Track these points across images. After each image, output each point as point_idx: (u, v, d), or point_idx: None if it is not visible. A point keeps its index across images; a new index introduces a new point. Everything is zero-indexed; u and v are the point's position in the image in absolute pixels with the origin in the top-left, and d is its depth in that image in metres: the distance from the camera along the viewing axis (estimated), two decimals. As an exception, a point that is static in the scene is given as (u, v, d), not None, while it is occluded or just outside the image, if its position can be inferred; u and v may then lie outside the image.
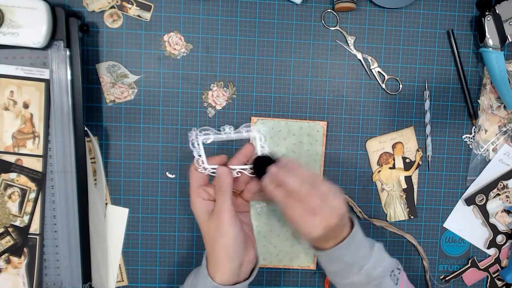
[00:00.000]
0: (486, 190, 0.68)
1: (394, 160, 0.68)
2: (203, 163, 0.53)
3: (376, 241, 0.58)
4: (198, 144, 0.53)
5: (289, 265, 0.68)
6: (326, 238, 0.53)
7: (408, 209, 0.69)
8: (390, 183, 0.68)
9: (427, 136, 0.67)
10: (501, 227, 0.70)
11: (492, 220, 0.69)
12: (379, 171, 0.67)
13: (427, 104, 0.67)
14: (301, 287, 0.69)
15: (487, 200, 0.69)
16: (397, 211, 0.68)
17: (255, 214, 0.66)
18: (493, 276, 0.71)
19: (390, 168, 0.68)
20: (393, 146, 0.67)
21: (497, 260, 0.71)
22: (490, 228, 0.69)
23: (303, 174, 0.52)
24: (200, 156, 0.53)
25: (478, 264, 0.70)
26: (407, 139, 0.68)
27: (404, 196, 0.68)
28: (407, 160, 0.68)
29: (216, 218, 0.52)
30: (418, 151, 0.68)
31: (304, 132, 0.66)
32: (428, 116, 0.67)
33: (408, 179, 0.68)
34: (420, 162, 0.68)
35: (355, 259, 0.54)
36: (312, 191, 0.50)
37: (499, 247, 0.70)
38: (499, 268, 0.71)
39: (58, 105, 0.58)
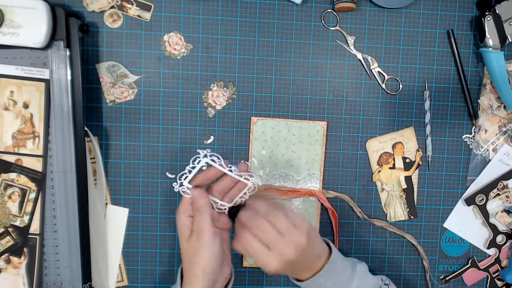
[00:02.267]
0: (486, 190, 0.68)
1: (394, 160, 0.68)
2: (185, 179, 0.51)
3: (358, 260, 0.58)
4: (198, 163, 0.51)
5: (289, 265, 0.68)
6: (297, 270, 0.53)
7: (408, 209, 0.69)
8: (390, 183, 0.68)
9: (427, 136, 0.67)
10: (501, 227, 0.70)
11: (492, 220, 0.69)
12: (379, 171, 0.67)
13: (427, 104, 0.67)
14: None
15: (487, 200, 0.69)
16: (397, 211, 0.68)
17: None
18: (493, 276, 0.71)
19: (390, 168, 0.68)
20: (393, 146, 0.67)
21: (497, 260, 0.71)
22: (490, 228, 0.69)
23: (259, 207, 0.52)
24: (188, 173, 0.51)
25: (478, 264, 0.70)
26: (407, 139, 0.67)
27: (404, 196, 0.68)
28: (407, 160, 0.68)
29: (196, 237, 0.52)
30: (418, 151, 0.68)
31: (304, 132, 0.66)
32: (428, 116, 0.67)
33: (408, 179, 0.68)
34: (420, 162, 0.68)
35: (336, 286, 0.54)
36: (265, 224, 0.50)
37: (499, 247, 0.70)
38: (499, 268, 0.71)
39: (58, 105, 0.58)
